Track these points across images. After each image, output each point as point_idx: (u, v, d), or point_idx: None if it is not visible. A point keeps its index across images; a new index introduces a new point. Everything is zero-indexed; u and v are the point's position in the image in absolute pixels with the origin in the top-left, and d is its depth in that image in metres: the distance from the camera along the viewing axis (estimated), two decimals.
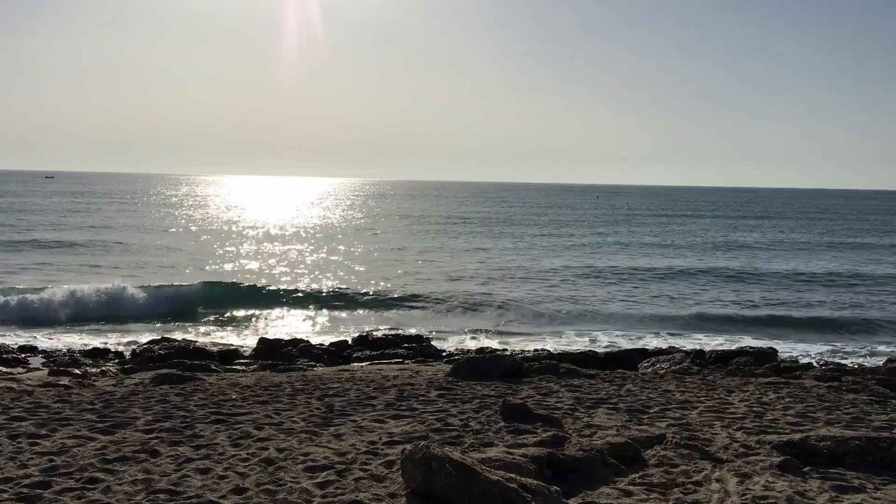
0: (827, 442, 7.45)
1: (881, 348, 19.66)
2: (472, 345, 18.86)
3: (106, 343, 17.70)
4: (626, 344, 19.09)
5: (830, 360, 17.90)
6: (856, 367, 16.13)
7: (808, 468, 7.08)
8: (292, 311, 23.59)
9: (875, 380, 12.35)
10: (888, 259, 42.93)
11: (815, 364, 16.50)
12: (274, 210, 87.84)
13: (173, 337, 17.97)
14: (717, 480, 6.70)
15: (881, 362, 16.86)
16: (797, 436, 7.82)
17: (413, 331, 19.92)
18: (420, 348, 17.22)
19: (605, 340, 19.85)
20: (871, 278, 33.25)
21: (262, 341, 16.82)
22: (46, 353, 15.89)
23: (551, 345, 18.89)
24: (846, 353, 19.07)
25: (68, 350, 16.41)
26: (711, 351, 16.87)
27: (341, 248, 43.97)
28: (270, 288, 27.38)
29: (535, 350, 17.48)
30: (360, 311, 23.54)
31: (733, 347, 18.03)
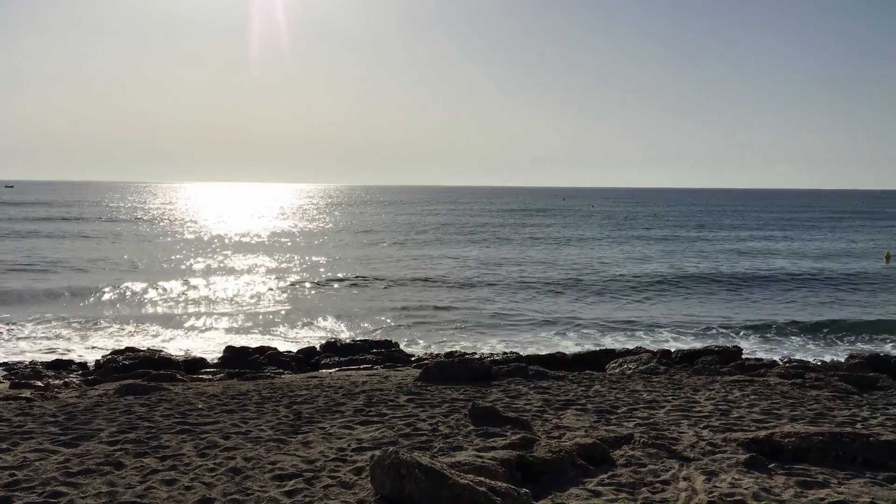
0: (791, 438, 7.56)
1: (842, 345, 19.99)
2: (441, 349, 18.84)
3: (68, 352, 17.38)
4: (593, 345, 19.19)
5: (794, 357, 18.17)
6: (818, 364, 16.40)
7: (773, 464, 7.18)
8: (259, 319, 23.37)
9: (837, 376, 12.57)
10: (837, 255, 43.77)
11: (779, 362, 16.74)
12: (239, 217, 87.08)
13: (138, 347, 17.70)
14: (685, 479, 6.76)
15: (843, 359, 17.16)
16: (762, 433, 7.93)
17: (382, 336, 19.85)
18: (389, 353, 17.15)
19: (573, 342, 19.94)
20: (830, 276, 33.88)
21: (229, 349, 16.63)
22: (7, 366, 15.55)
23: (520, 347, 18.94)
24: (809, 350, 19.37)
25: (30, 362, 16.07)
26: (678, 350, 17.03)
27: (307, 254, 43.72)
28: (237, 295, 27.15)
29: (504, 353, 17.51)
30: (328, 317, 23.39)
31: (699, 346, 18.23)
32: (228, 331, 21.15)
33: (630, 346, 18.57)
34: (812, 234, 63.74)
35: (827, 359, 17.85)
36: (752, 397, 10.69)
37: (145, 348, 17.38)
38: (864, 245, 53.11)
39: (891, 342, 20.15)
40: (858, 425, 9.02)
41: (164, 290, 27.83)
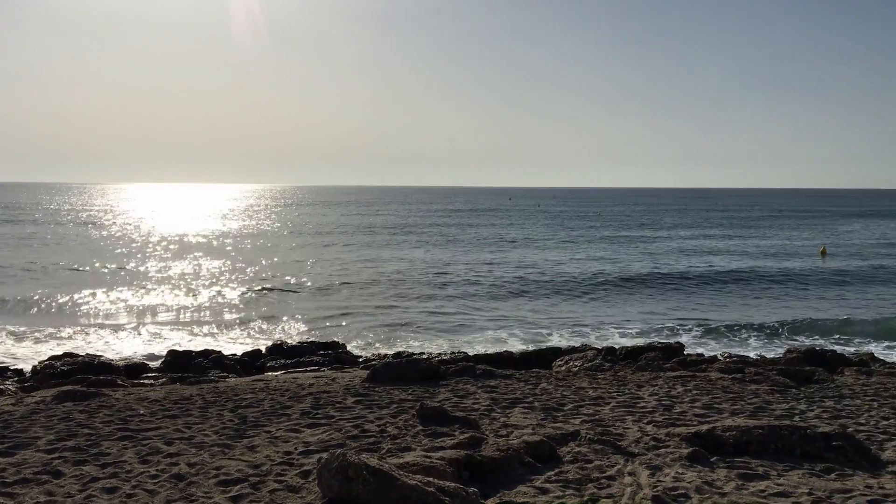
0: (732, 432, 7.73)
1: (781, 340, 20.54)
2: (389, 350, 18.78)
3: (2, 358, 16.84)
4: (540, 344, 19.35)
5: (734, 352, 18.59)
6: (758, 358, 16.82)
7: (715, 458, 7.33)
8: (203, 322, 22.99)
9: (776, 370, 12.91)
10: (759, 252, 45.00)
11: (719, 357, 17.11)
12: (183, 219, 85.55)
13: (77, 352, 17.23)
14: (630, 474, 6.86)
15: (781, 353, 17.62)
16: (704, 427, 8.09)
17: (329, 337, 19.72)
18: (336, 355, 17.04)
19: (520, 341, 20.06)
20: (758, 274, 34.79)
21: (172, 353, 16.32)
22: None
23: (468, 347, 19.00)
24: (749, 345, 19.85)
25: None
26: (622, 348, 17.28)
27: (251, 256, 43.18)
28: (180, 299, 26.67)
29: (452, 353, 17.54)
30: (275, 319, 23.13)
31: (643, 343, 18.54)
32: (171, 335, 20.75)
33: (576, 344, 18.79)
34: (751, 232, 65.40)
35: (766, 354, 18.33)
36: (694, 392, 10.90)
37: (84, 354, 16.93)
38: (800, 242, 54.69)
39: (826, 336, 20.78)
40: (796, 418, 9.28)
41: (104, 294, 27.17)
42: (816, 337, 20.70)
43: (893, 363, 16.53)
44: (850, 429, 8.55)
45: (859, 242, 54.54)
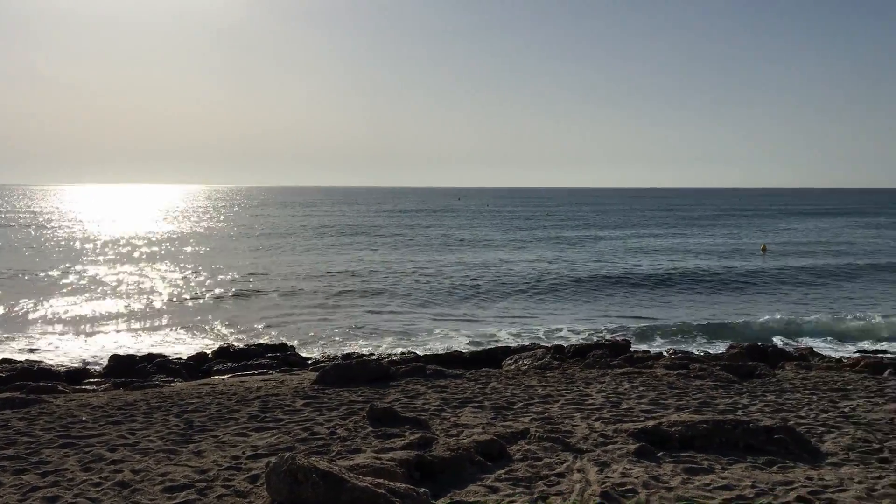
0: (678, 427, 7.87)
1: (724, 336, 20.96)
2: (338, 351, 18.66)
3: None
4: (490, 343, 19.43)
5: (679, 348, 18.94)
6: (702, 354, 17.16)
7: (661, 453, 7.45)
8: (147, 326, 22.51)
9: (719, 366, 13.19)
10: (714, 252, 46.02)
11: (665, 354, 17.41)
12: (125, 221, 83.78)
13: (14, 358, 16.73)
14: (579, 470, 6.93)
15: (724, 349, 18.01)
16: (651, 423, 8.22)
17: (277, 340, 19.51)
18: (285, 357, 16.87)
19: (470, 340, 20.10)
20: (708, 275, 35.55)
21: (114, 358, 15.95)
22: None
23: (418, 347, 18.99)
24: (693, 341, 20.22)
25: None
26: (570, 346, 17.47)
27: (197, 258, 42.50)
28: (123, 302, 26.10)
29: (402, 353, 17.52)
30: (221, 323, 22.78)
31: (592, 341, 18.76)
32: (114, 340, 20.28)
33: (525, 343, 18.92)
34: (695, 231, 66.71)
35: (710, 350, 18.71)
36: (641, 388, 11.07)
37: (23, 360, 16.45)
38: (742, 240, 55.98)
39: (767, 332, 21.28)
40: (739, 412, 9.49)
41: (45, 299, 26.43)
42: (758, 332, 21.18)
43: (831, 358, 17.05)
44: (791, 422, 8.78)
45: (798, 240, 56.06)
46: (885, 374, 13.26)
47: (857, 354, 18.08)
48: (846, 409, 9.69)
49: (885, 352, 18.98)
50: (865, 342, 20.20)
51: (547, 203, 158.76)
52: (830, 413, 9.49)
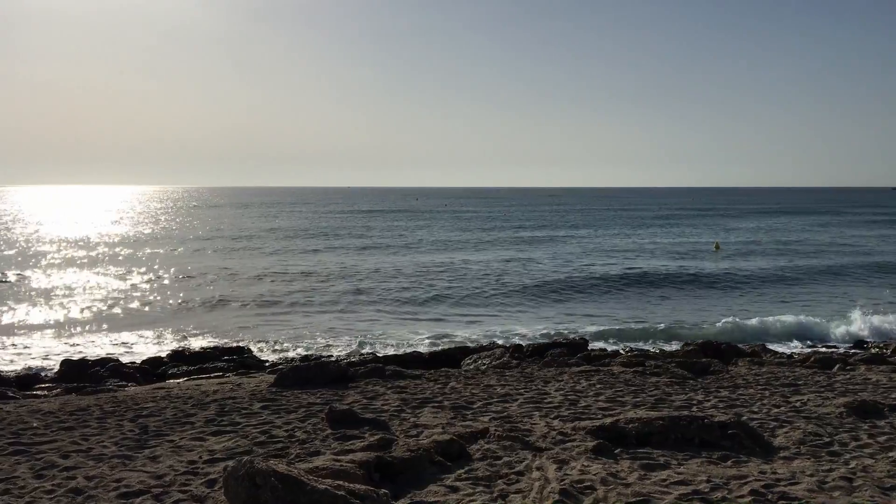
0: (635, 424, 7.97)
1: (679, 333, 21.28)
2: (296, 353, 18.52)
3: None
4: (449, 343, 19.46)
5: (635, 346, 19.19)
6: (657, 352, 17.41)
7: (619, 450, 7.55)
8: (100, 330, 22.07)
9: (674, 363, 13.39)
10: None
11: (621, 351, 17.64)
12: (74, 222, 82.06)
13: None
14: (538, 469, 6.98)
15: (679, 346, 18.30)
16: (608, 420, 8.31)
17: (233, 342, 19.29)
18: (242, 360, 16.69)
19: (429, 340, 20.10)
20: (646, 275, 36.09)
21: (66, 363, 15.62)
22: None
23: (378, 348, 18.94)
24: (649, 338, 20.48)
25: None
26: (529, 345, 17.58)
27: (150, 260, 41.82)
28: (75, 306, 25.56)
29: (361, 354, 17.45)
30: (176, 325, 22.43)
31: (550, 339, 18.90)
32: (66, 344, 19.84)
33: (484, 343, 18.99)
34: (652, 231, 67.57)
35: (665, 347, 18.99)
36: (598, 386, 11.19)
37: None
38: (695, 239, 56.89)
39: (721, 329, 21.64)
40: (694, 408, 9.65)
41: None
42: (712, 329, 21.54)
43: (783, 354, 17.43)
44: (745, 417, 8.95)
45: (751, 239, 57.16)
46: (835, 369, 13.60)
47: (807, 350, 18.53)
48: (797, 404, 9.92)
49: (835, 348, 19.48)
50: (816, 338, 20.69)
51: (505, 203, 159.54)
52: (782, 408, 9.70)
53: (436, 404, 10.01)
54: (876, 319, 21.80)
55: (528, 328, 21.89)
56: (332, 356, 17.48)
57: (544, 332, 21.28)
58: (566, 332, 21.01)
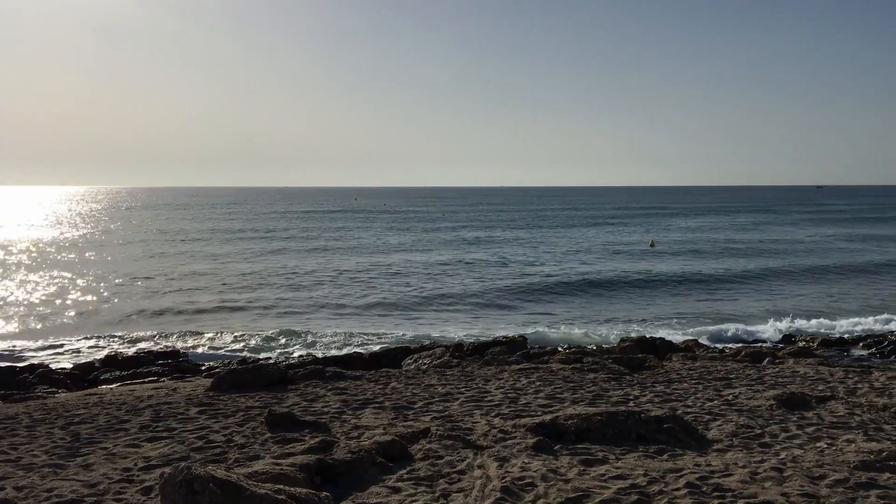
0: (573, 420, 8.09)
1: (616, 329, 21.67)
2: (233, 356, 18.22)
3: None
4: (389, 343, 19.41)
5: (573, 343, 19.44)
6: (594, 348, 17.69)
7: (558, 446, 7.65)
8: (28, 335, 21.33)
9: (611, 359, 13.64)
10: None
11: (560, 349, 17.86)
12: None
13: None
14: (479, 467, 7.02)
15: (616, 343, 18.62)
16: (548, 417, 8.41)
17: (168, 346, 18.88)
18: (177, 364, 16.35)
19: (369, 341, 20.00)
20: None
21: None
22: None
23: (317, 350, 18.77)
24: (587, 335, 20.79)
25: None
26: (469, 344, 17.67)
27: (80, 263, 40.66)
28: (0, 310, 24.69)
29: (300, 356, 17.28)
30: (107, 330, 21.83)
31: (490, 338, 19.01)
32: None
33: (425, 343, 19.00)
34: (591, 229, 68.59)
35: (603, 344, 19.29)
36: (538, 384, 11.31)
37: None
38: (631, 238, 57.95)
39: (656, 324, 22.12)
40: (631, 403, 9.84)
41: None
42: (647, 325, 21.99)
43: (715, 348, 17.90)
44: (679, 411, 9.17)
45: (686, 238, 58.49)
46: (765, 362, 14.04)
47: (738, 345, 19.06)
48: (729, 397, 10.20)
49: (764, 341, 20.08)
50: (746, 333, 21.28)
51: (443, 202, 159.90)
52: (715, 401, 9.96)
53: (377, 405, 9.98)
54: (802, 314, 22.57)
55: (467, 327, 22.00)
56: (270, 358, 17.26)
57: (484, 331, 21.41)
58: (505, 330, 21.18)
